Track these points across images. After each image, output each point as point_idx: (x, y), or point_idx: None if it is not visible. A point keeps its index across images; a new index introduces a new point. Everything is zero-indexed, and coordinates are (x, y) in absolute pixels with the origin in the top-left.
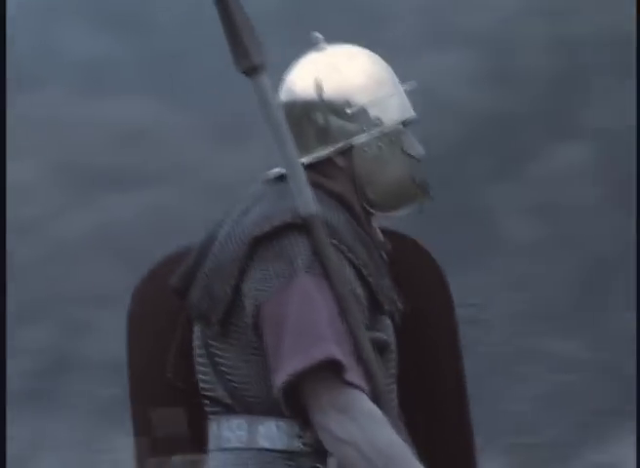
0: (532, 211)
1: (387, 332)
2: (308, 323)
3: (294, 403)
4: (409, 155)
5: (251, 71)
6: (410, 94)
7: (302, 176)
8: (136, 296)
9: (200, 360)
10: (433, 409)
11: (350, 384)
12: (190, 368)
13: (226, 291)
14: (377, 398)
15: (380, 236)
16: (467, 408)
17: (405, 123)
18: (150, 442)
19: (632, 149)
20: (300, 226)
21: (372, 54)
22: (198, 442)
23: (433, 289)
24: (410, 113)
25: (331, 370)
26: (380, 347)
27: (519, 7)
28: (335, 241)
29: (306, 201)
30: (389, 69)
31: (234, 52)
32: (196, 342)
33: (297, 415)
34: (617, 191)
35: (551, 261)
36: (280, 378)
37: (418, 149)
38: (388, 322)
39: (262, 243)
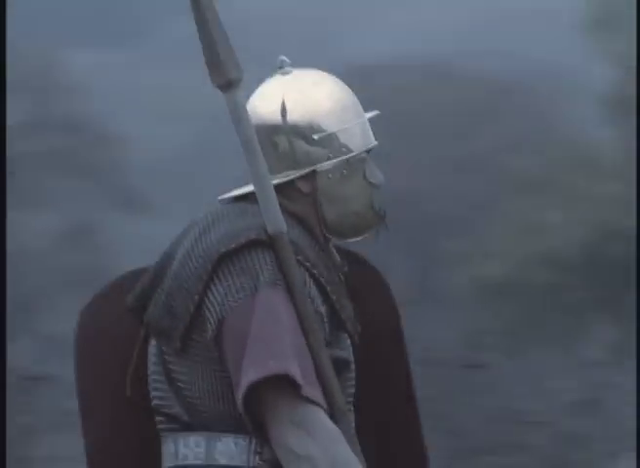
0: None
1: (348, 352)
2: (269, 337)
3: (254, 417)
4: (370, 183)
5: (225, 86)
6: (372, 121)
7: (272, 194)
8: (82, 321)
9: (156, 377)
10: (385, 430)
11: (310, 400)
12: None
13: (189, 307)
14: (335, 416)
15: (338, 258)
16: (420, 428)
17: (368, 150)
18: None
19: None
20: (265, 243)
21: (337, 79)
22: (153, 461)
23: (382, 309)
24: (373, 141)
25: (290, 385)
26: (341, 366)
27: None
28: (300, 258)
29: (275, 218)
30: (354, 96)
31: (210, 65)
32: (152, 359)
33: (257, 430)
34: None
35: None
36: (239, 390)
37: (379, 177)
38: (349, 342)
39: (226, 259)
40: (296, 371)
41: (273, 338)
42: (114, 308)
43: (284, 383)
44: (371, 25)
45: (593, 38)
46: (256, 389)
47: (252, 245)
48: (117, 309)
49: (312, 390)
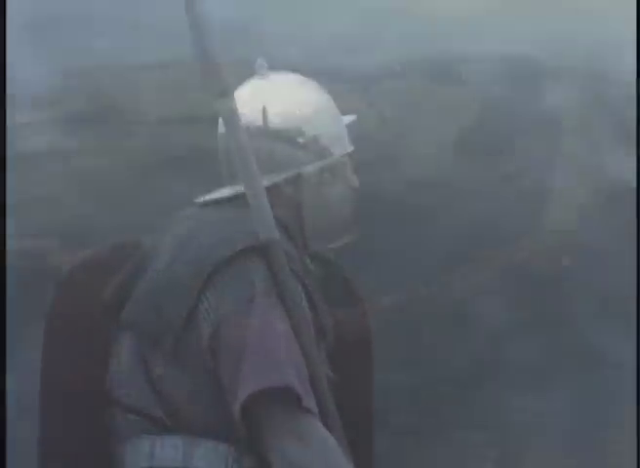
0: None
1: (326, 364)
2: (268, 348)
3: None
4: (350, 187)
5: (221, 93)
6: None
7: (265, 201)
8: (53, 306)
9: (132, 376)
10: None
11: (307, 411)
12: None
13: (181, 313)
14: (328, 426)
15: (311, 266)
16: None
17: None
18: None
19: None
20: (258, 251)
21: (315, 83)
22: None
23: (351, 314)
24: (351, 146)
25: (288, 396)
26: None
27: None
28: (292, 265)
29: (268, 225)
30: (331, 99)
31: (206, 72)
32: (126, 357)
33: (249, 439)
34: None
35: None
36: (238, 399)
37: (355, 181)
38: (325, 354)
39: (221, 267)
40: (297, 384)
41: (272, 350)
42: (82, 294)
43: (282, 394)
44: None
45: None
46: (251, 399)
47: (246, 252)
48: (85, 295)
49: (309, 401)
